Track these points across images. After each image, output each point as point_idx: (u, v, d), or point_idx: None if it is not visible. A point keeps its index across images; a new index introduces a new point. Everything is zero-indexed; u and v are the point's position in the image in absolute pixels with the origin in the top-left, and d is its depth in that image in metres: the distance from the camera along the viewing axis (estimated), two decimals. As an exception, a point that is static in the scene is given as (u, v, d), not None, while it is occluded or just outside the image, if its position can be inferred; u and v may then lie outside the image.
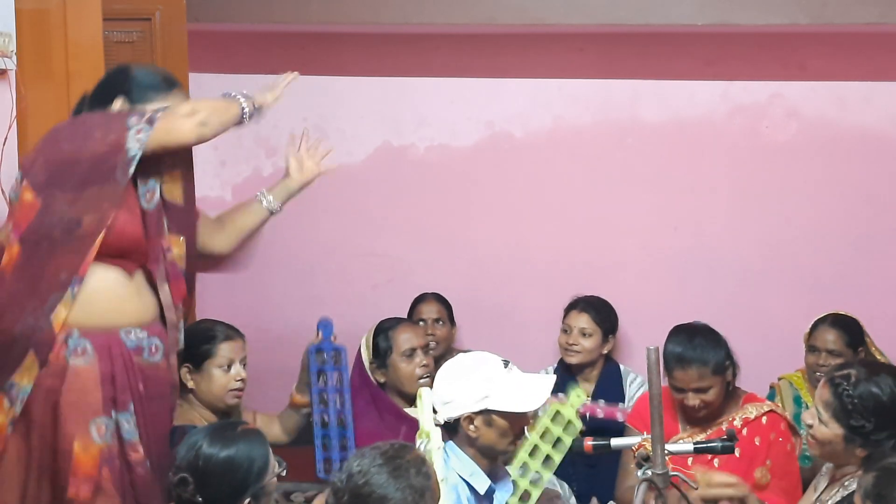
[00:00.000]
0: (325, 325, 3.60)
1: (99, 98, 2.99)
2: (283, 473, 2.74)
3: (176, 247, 3.01)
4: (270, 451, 2.71)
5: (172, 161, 2.96)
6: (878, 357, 4.07)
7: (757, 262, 4.82)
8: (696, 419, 3.50)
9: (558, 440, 3.07)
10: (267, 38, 4.99)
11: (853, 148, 4.74)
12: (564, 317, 4.39)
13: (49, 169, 2.82)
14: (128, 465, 2.85)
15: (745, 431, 3.41)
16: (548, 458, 3.06)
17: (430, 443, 2.82)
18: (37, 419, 2.81)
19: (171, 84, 3.03)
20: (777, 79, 4.76)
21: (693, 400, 3.42)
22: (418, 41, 4.90)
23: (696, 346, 3.44)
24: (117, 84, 2.99)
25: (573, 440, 3.00)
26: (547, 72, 4.87)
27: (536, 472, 3.06)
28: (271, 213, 3.37)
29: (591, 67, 4.84)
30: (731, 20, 4.50)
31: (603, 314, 4.37)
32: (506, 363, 2.97)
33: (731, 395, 3.51)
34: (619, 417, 4.01)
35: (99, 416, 2.81)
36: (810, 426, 2.84)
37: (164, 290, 2.97)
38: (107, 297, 2.86)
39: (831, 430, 2.78)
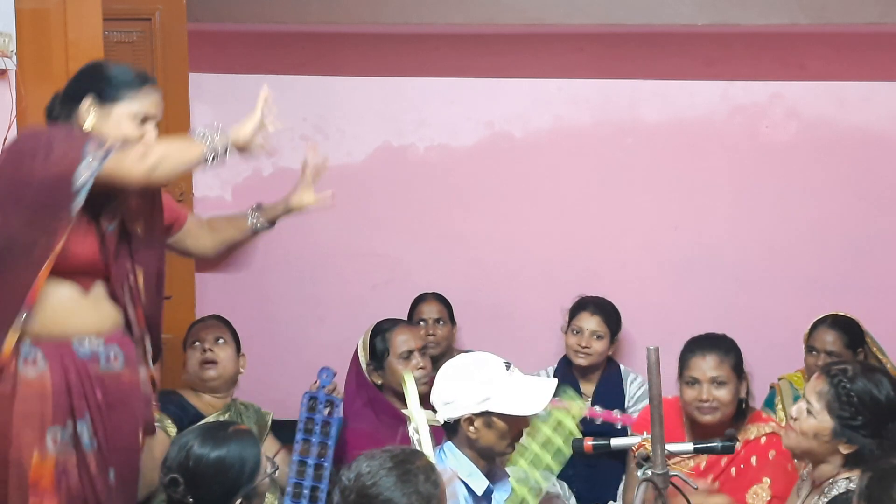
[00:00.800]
0: (324, 375, 3.58)
1: (69, 96, 2.89)
2: (276, 475, 2.73)
3: (139, 275, 2.95)
4: (262, 451, 2.70)
5: (134, 193, 2.89)
6: (881, 357, 4.07)
7: (757, 262, 4.82)
8: (704, 430, 3.43)
9: (558, 450, 3.07)
10: (267, 38, 4.99)
11: (853, 148, 4.74)
12: (573, 318, 4.35)
13: (7, 184, 2.76)
14: (89, 476, 2.79)
15: (742, 452, 3.37)
16: (547, 467, 3.06)
17: (417, 424, 2.81)
18: None
19: (143, 80, 2.92)
20: (777, 79, 4.76)
21: (707, 394, 3.36)
22: (418, 41, 4.90)
23: (716, 341, 3.47)
24: (88, 81, 2.89)
25: (573, 440, 3.00)
26: (547, 72, 4.87)
27: (536, 480, 3.05)
28: (255, 231, 3.33)
29: (591, 67, 4.84)
30: (731, 20, 4.50)
31: (612, 316, 4.36)
32: (507, 365, 2.97)
33: (740, 415, 3.45)
34: (618, 424, 4.01)
35: (53, 426, 2.76)
36: (796, 419, 2.83)
37: (130, 309, 2.91)
38: (59, 309, 2.79)
39: (820, 421, 2.77)
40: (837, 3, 4.41)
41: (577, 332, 4.30)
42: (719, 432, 3.34)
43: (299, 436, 3.45)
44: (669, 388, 3.28)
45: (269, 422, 3.82)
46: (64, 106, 2.89)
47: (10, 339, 2.73)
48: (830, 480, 2.76)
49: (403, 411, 3.64)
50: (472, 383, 2.93)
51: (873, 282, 4.72)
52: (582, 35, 4.78)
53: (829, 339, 4.05)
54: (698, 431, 3.45)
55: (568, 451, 3.05)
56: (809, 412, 2.79)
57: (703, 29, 4.58)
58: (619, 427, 4.03)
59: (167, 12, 4.33)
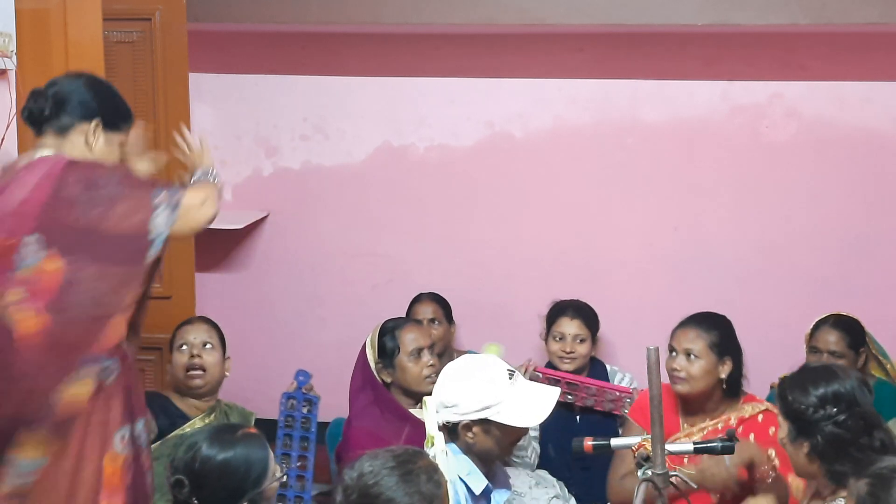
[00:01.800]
0: (300, 377, 3.63)
1: (75, 108, 2.89)
2: (284, 479, 2.73)
3: None
4: (271, 456, 2.69)
5: None
6: (880, 359, 4.07)
7: (757, 262, 4.82)
8: (694, 411, 3.51)
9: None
10: (267, 38, 4.99)
11: (853, 148, 4.74)
12: (552, 324, 4.27)
13: (70, 234, 2.77)
14: (142, 472, 2.86)
15: (740, 429, 3.39)
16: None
17: (435, 447, 2.83)
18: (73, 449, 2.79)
19: (131, 114, 3.02)
20: (777, 79, 4.76)
21: (677, 363, 3.44)
22: (418, 41, 4.90)
23: (702, 317, 3.55)
24: (99, 103, 2.91)
25: (573, 441, 3.00)
26: (547, 72, 4.87)
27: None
28: None
29: (591, 67, 4.84)
30: (731, 20, 4.50)
31: (591, 318, 4.29)
32: (511, 374, 2.95)
33: (729, 394, 3.51)
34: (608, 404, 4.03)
35: (122, 427, 2.82)
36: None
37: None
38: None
39: (783, 430, 2.81)
40: (837, 3, 4.41)
41: (560, 339, 4.23)
42: (704, 408, 3.48)
43: (280, 432, 3.50)
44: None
45: (253, 421, 3.80)
46: (62, 115, 2.88)
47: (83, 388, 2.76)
48: (830, 499, 2.76)
49: (411, 410, 3.66)
50: (474, 390, 2.92)
51: (873, 282, 4.72)
52: (582, 35, 4.78)
53: (832, 340, 4.04)
54: (688, 409, 3.53)
55: None
56: (781, 426, 2.84)
57: (703, 29, 4.58)
58: (610, 407, 4.06)
59: (167, 12, 4.32)
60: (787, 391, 2.80)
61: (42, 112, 2.88)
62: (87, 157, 2.88)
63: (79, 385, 2.76)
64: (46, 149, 2.87)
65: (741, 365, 3.51)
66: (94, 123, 2.88)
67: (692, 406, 3.51)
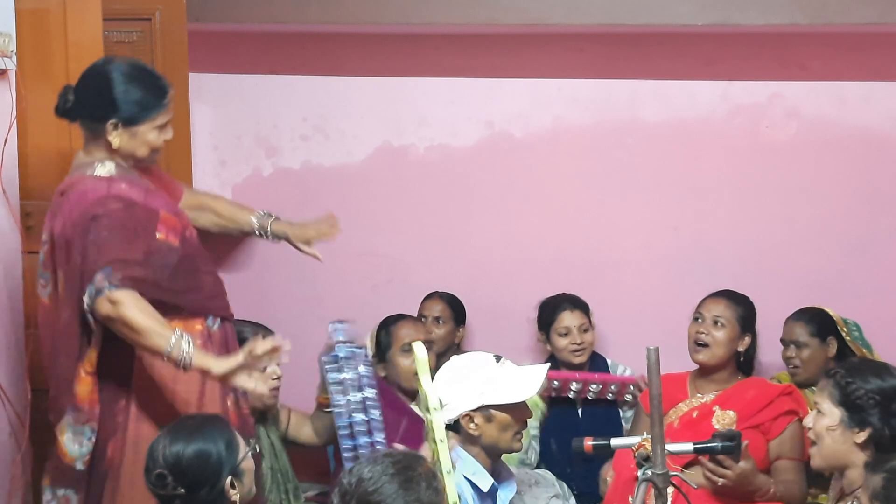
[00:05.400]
0: (332, 328, 3.49)
1: (95, 115, 2.99)
2: (257, 450, 2.80)
3: None
4: (233, 429, 2.76)
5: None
6: (864, 351, 4.08)
7: (757, 262, 4.81)
8: (702, 378, 3.71)
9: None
10: (267, 38, 4.99)
11: (853, 148, 4.73)
12: (552, 321, 4.30)
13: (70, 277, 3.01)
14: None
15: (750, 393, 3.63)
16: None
17: (429, 402, 2.81)
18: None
19: (164, 94, 3.03)
20: (777, 79, 4.76)
21: (705, 329, 3.67)
22: (418, 41, 4.90)
23: (736, 294, 3.83)
24: (112, 104, 2.97)
25: (573, 440, 3.00)
26: (547, 72, 4.86)
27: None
28: (256, 232, 3.63)
29: (591, 67, 4.84)
30: (731, 20, 4.50)
31: (586, 306, 4.35)
32: (498, 358, 3.00)
33: (742, 370, 3.75)
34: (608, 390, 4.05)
35: None
36: (811, 428, 2.87)
37: None
38: None
39: (830, 415, 2.82)
40: (837, 3, 4.41)
41: (566, 333, 4.24)
42: (714, 378, 3.73)
43: (335, 398, 3.37)
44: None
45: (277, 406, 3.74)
46: (89, 124, 3.01)
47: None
48: (857, 492, 2.77)
49: (413, 406, 3.65)
50: (466, 382, 2.95)
51: (873, 282, 4.72)
52: (582, 35, 4.78)
53: (797, 331, 4.16)
54: (701, 379, 3.75)
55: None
56: (819, 412, 2.85)
57: (702, 29, 4.58)
58: (612, 394, 4.09)
59: (167, 12, 4.32)
60: (845, 380, 2.84)
61: (66, 110, 3.01)
62: (125, 150, 2.97)
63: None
64: (95, 160, 3.01)
65: (756, 345, 3.79)
66: (110, 127, 2.95)
67: (705, 374, 3.72)
